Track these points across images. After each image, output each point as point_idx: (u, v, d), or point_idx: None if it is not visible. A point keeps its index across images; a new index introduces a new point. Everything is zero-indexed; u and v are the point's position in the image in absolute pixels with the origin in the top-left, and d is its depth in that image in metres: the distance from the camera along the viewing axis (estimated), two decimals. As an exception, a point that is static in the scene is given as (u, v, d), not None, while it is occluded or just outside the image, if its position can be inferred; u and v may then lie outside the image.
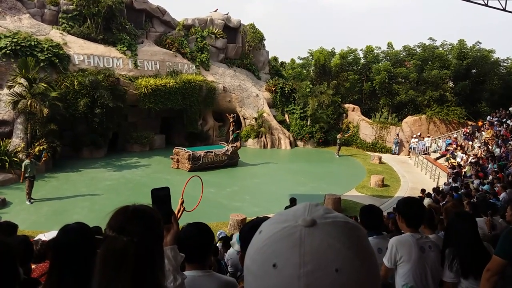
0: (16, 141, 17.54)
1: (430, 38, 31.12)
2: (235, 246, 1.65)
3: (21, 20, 21.17)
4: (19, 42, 19.30)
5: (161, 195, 1.74)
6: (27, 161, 13.68)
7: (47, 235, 7.72)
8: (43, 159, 15.01)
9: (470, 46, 29.22)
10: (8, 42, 18.99)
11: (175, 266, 1.70)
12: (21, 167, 14.07)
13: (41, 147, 17.21)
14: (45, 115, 17.02)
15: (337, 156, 25.29)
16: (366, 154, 26.38)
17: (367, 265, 0.69)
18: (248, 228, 1.61)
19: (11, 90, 17.23)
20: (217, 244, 7.23)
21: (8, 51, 18.89)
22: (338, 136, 25.59)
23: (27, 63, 17.61)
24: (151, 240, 1.33)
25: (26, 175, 13.52)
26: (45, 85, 17.57)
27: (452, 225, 3.32)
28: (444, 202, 10.32)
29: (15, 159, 16.56)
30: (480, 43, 28.99)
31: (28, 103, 16.83)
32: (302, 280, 0.64)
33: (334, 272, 0.65)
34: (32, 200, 13.87)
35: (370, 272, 0.69)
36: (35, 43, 19.89)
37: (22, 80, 17.37)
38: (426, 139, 25.62)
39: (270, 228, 0.72)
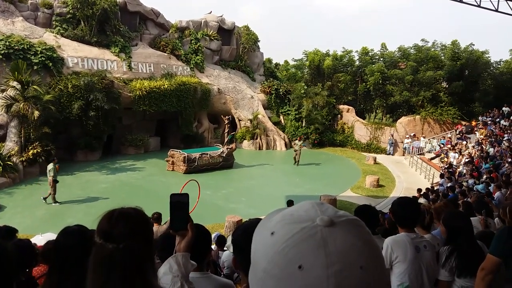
0: (10, 145, 17.40)
1: (422, 40, 31.34)
2: (231, 249, 1.64)
3: (14, 23, 21.03)
4: (12, 45, 19.18)
5: (180, 201, 1.74)
6: (51, 165, 14.06)
7: (44, 235, 7.74)
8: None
9: (464, 48, 29.37)
10: (1, 45, 18.86)
11: (184, 273, 1.69)
12: (15, 171, 14.00)
13: (35, 151, 17.11)
14: (35, 118, 16.89)
15: (296, 165, 22.28)
16: (361, 155, 26.46)
17: (382, 260, 0.74)
18: (241, 232, 1.59)
19: (4, 93, 17.10)
20: (212, 246, 7.18)
21: (0, 55, 18.77)
22: (297, 141, 22.93)
23: (19, 66, 17.49)
24: (139, 243, 1.33)
25: (54, 178, 13.94)
26: (37, 87, 17.45)
27: (450, 224, 3.32)
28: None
29: (9, 162, 16.41)
30: (474, 44, 29.23)
31: (21, 106, 16.73)
32: (331, 280, 0.65)
33: (359, 269, 0.67)
34: (56, 202, 14.19)
35: (384, 267, 0.72)
36: (29, 46, 19.77)
37: (15, 83, 17.26)
38: (422, 139, 25.73)
39: (286, 229, 0.71)
